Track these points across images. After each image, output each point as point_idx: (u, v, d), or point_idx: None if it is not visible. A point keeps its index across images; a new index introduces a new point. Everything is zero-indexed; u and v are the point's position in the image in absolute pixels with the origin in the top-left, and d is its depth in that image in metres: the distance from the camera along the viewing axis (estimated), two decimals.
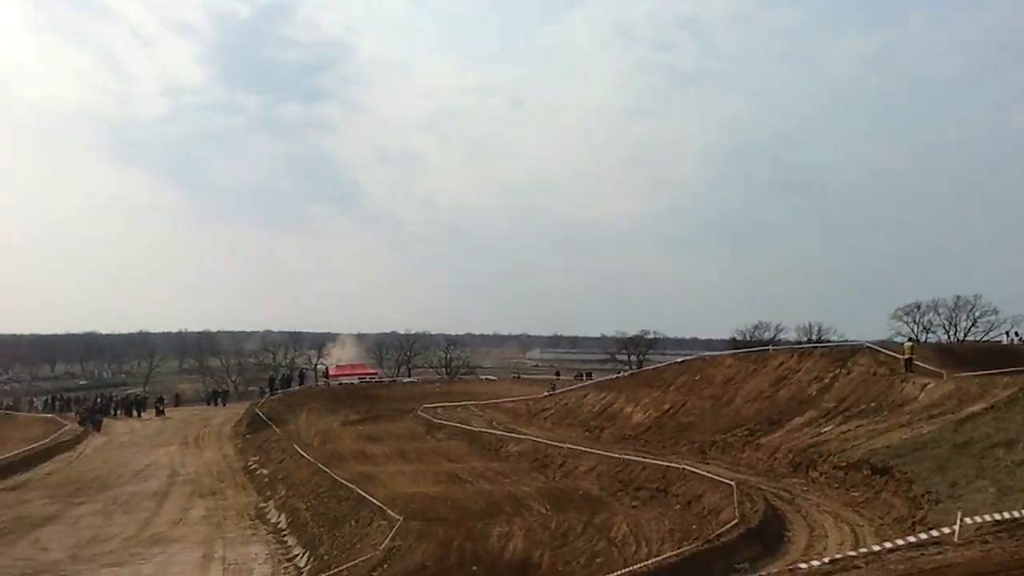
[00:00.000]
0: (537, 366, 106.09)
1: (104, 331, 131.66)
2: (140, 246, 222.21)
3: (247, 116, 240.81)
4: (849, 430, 27.31)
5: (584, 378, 64.74)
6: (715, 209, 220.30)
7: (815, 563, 12.52)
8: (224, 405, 72.32)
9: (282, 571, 24.66)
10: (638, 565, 17.78)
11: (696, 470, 26.16)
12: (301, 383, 73.83)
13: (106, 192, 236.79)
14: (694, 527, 21.48)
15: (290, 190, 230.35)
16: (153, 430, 58.95)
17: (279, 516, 31.63)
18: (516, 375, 77.34)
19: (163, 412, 66.52)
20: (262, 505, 34.21)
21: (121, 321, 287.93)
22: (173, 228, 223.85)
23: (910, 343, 34.12)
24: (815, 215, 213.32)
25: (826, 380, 33.15)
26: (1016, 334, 52.27)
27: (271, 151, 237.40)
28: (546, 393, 57.36)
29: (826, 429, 28.53)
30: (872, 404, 29.21)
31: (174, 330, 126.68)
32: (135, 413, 66.65)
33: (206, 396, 77.38)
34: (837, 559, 12.37)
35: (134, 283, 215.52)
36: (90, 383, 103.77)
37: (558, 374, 74.49)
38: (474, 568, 19.99)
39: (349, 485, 30.38)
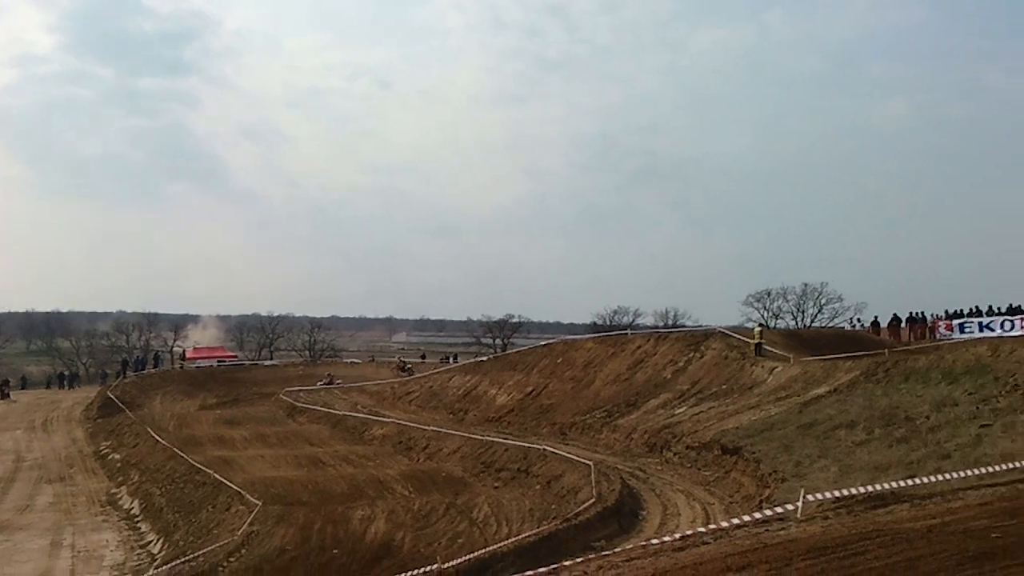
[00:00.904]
0: (403, 349, 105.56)
1: None
2: None
3: (102, 88, 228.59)
4: (702, 412, 28.35)
5: (450, 361, 64.91)
6: (581, 197, 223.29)
7: (667, 539, 13.00)
8: (73, 388, 69.36)
9: (135, 558, 23.97)
10: (498, 544, 18.07)
11: (556, 451, 26.70)
12: (156, 366, 71.49)
13: None
14: (553, 507, 21.95)
15: (148, 166, 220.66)
16: None
17: (132, 502, 30.68)
18: (372, 358, 76.78)
19: (8, 395, 63.11)
20: (114, 491, 33.08)
21: None
22: (21, 203, 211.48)
23: (760, 328, 35.60)
24: (677, 204, 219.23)
25: (680, 363, 34.27)
26: (859, 320, 55.11)
27: (128, 125, 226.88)
28: (400, 375, 57.68)
29: (680, 411, 29.53)
30: (724, 387, 30.38)
31: (21, 309, 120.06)
32: None
33: (53, 379, 73.68)
34: (688, 535, 12.87)
35: None
36: None
37: (423, 357, 74.42)
38: (335, 551, 19.90)
39: (206, 470, 29.70)
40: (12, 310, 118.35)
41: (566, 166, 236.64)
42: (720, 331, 36.34)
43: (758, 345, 32.51)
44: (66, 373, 75.26)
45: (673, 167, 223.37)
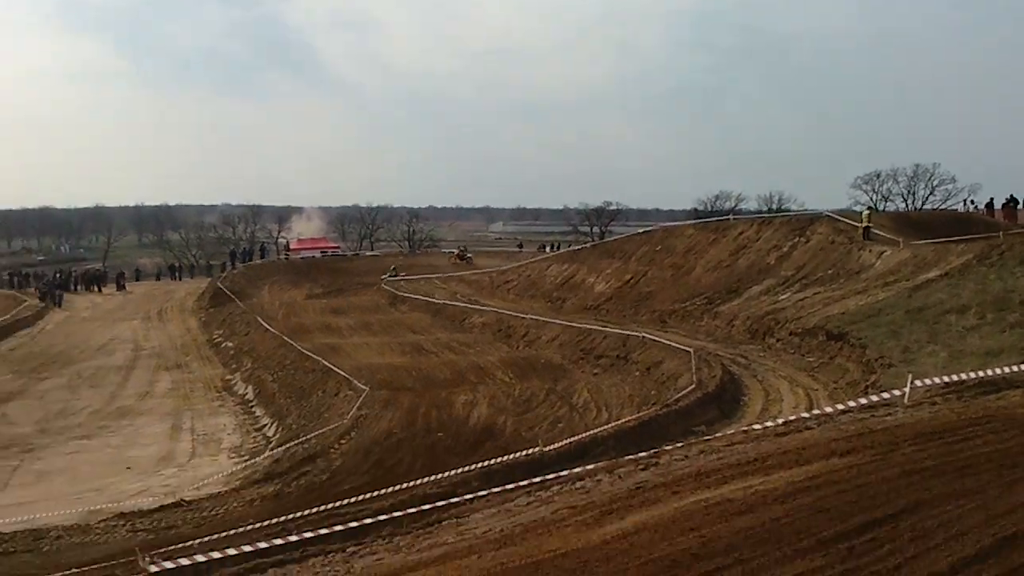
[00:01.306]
0: (500, 239, 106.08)
1: (60, 205, 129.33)
2: (93, 119, 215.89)
3: None
4: (806, 297, 27.79)
5: (548, 250, 64.88)
6: (680, 77, 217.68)
7: (769, 424, 12.90)
8: (181, 280, 71.81)
9: (251, 440, 25.09)
10: (598, 429, 18.26)
11: (656, 338, 26.62)
12: (263, 257, 73.38)
13: (58, 64, 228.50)
14: (653, 393, 22.01)
15: (245, 56, 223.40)
16: (115, 305, 58.70)
17: (246, 388, 31.97)
18: (462, 250, 77.12)
19: (124, 287, 66.02)
20: (228, 377, 34.51)
21: (76, 195, 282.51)
22: (126, 99, 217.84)
23: (868, 211, 34.44)
24: (781, 83, 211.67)
25: (785, 249, 33.50)
26: (973, 202, 52.90)
27: (223, 16, 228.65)
28: (458, 264, 57.96)
29: (783, 297, 29.01)
30: (829, 272, 29.65)
31: (131, 204, 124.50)
32: (96, 288, 66.10)
33: (164, 271, 76.34)
34: (791, 420, 12.75)
35: (88, 156, 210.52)
36: (48, 258, 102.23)
37: (520, 246, 74.60)
38: (439, 434, 20.44)
39: (315, 357, 30.64)
40: (123, 204, 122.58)
41: (662, 43, 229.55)
42: (827, 215, 35.26)
43: (866, 229, 31.48)
44: (176, 265, 77.92)
45: (777, 43, 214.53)
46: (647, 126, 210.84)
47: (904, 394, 12.93)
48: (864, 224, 31.88)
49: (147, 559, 9.60)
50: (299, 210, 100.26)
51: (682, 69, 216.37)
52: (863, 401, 13.44)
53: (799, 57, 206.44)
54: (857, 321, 22.77)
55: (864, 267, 28.74)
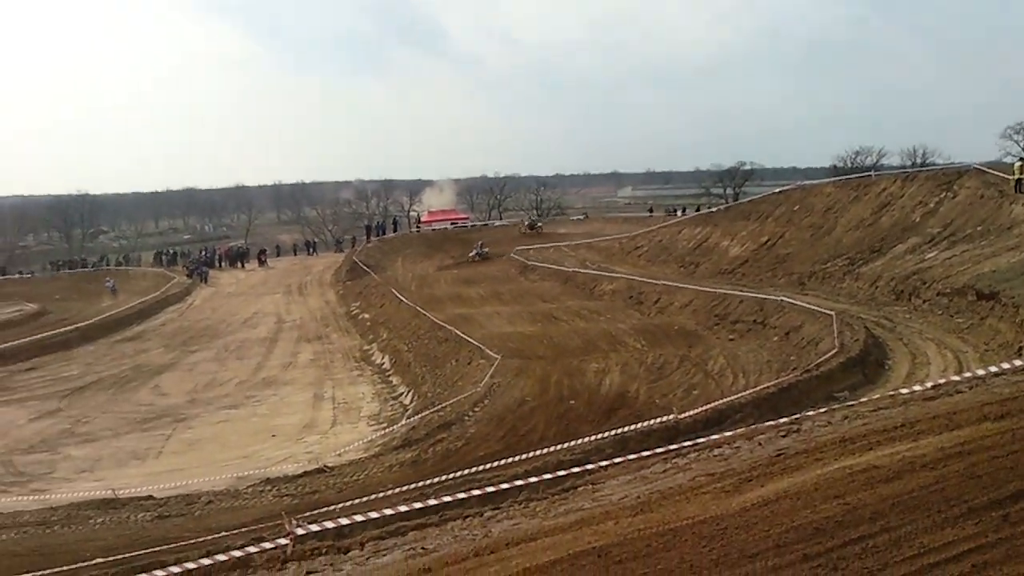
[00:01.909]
0: (629, 204, 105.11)
1: (202, 186, 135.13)
2: (230, 102, 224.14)
3: None
4: (954, 255, 26.47)
5: (681, 214, 63.77)
6: (815, 29, 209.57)
7: (917, 388, 12.35)
8: (315, 254, 73.79)
9: (389, 408, 25.70)
10: (735, 395, 17.91)
11: (794, 301, 25.88)
12: (395, 230, 74.83)
13: (197, 49, 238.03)
14: (792, 358, 21.43)
15: (372, 35, 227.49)
16: (257, 280, 61.05)
17: (383, 358, 32.75)
18: (584, 215, 76.18)
19: (265, 262, 68.55)
20: (366, 348, 35.43)
21: (217, 176, 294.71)
22: (262, 81, 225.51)
23: (1021, 163, 32.44)
24: (923, 31, 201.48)
25: (931, 205, 31.97)
26: None
27: None
28: (524, 232, 58.21)
29: (930, 255, 27.72)
30: (979, 228, 28.13)
31: (269, 183, 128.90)
32: (239, 264, 68.88)
33: (300, 246, 78.58)
34: (940, 384, 12.17)
35: (228, 137, 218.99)
36: (193, 237, 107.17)
37: (651, 211, 73.66)
38: (572, 402, 20.44)
39: (448, 327, 31.10)
40: (262, 183, 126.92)
41: None
42: (975, 168, 33.37)
43: (1019, 181, 29.67)
44: (312, 241, 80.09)
45: None
46: (781, 82, 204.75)
47: None
48: (1016, 176, 30.04)
49: (293, 522, 9.94)
50: (429, 183, 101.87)
51: (817, 20, 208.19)
52: (1018, 363, 12.71)
53: (940, 3, 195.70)
54: (1010, 279, 21.55)
55: (1016, 222, 27.11)
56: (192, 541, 11.59)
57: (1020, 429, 8.14)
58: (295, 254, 75.43)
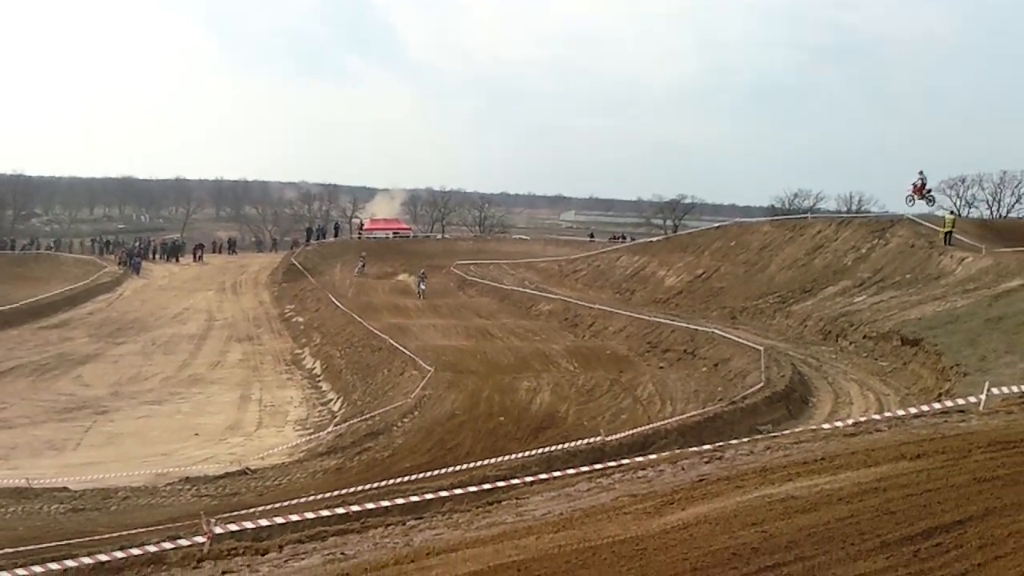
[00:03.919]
0: (571, 228, 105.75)
1: (141, 176, 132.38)
2: (177, 92, 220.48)
3: None
4: (882, 301, 27.19)
5: (620, 242, 64.38)
6: (762, 72, 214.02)
7: (838, 424, 12.65)
8: (235, 253, 72.10)
9: (316, 414, 25.49)
10: (662, 422, 18.14)
11: (725, 334, 26.31)
12: (336, 235, 74.25)
13: (145, 36, 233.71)
14: (720, 389, 21.77)
15: (327, 37, 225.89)
16: (191, 275, 60.04)
17: (314, 362, 32.49)
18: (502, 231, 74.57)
19: (201, 258, 67.44)
20: (297, 351, 35.09)
21: (158, 167, 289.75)
22: (210, 74, 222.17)
23: (951, 216, 33.51)
24: (865, 82, 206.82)
25: (863, 251, 32.82)
26: None
27: None
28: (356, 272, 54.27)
29: (859, 299, 28.43)
30: (908, 276, 28.97)
31: (211, 178, 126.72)
32: (174, 258, 67.65)
33: (236, 243, 77.00)
34: (861, 422, 12.47)
35: (171, 129, 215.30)
36: (128, 227, 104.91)
37: (591, 236, 74.13)
38: (501, 419, 20.50)
39: (382, 336, 30.98)
40: (203, 178, 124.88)
41: (746, 38, 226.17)
42: (908, 218, 34.39)
43: (948, 234, 30.65)
44: (256, 239, 78.31)
45: (860, 41, 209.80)
46: (727, 121, 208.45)
47: (980, 401, 12.55)
48: (946, 229, 31.04)
49: (211, 522, 9.80)
50: (374, 190, 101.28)
51: (766, 65, 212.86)
52: (936, 406, 13.09)
53: (887, 57, 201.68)
54: (934, 327, 22.22)
55: (944, 273, 28.01)
56: (106, 536, 11.36)
57: (935, 469, 8.40)
58: (231, 252, 73.95)
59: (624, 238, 67.87)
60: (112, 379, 29.83)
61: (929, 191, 36.40)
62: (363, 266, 55.40)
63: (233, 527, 10.08)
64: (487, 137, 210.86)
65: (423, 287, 45.12)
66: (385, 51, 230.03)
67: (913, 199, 35.41)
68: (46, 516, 15.08)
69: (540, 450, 16.07)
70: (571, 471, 11.49)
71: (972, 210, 65.93)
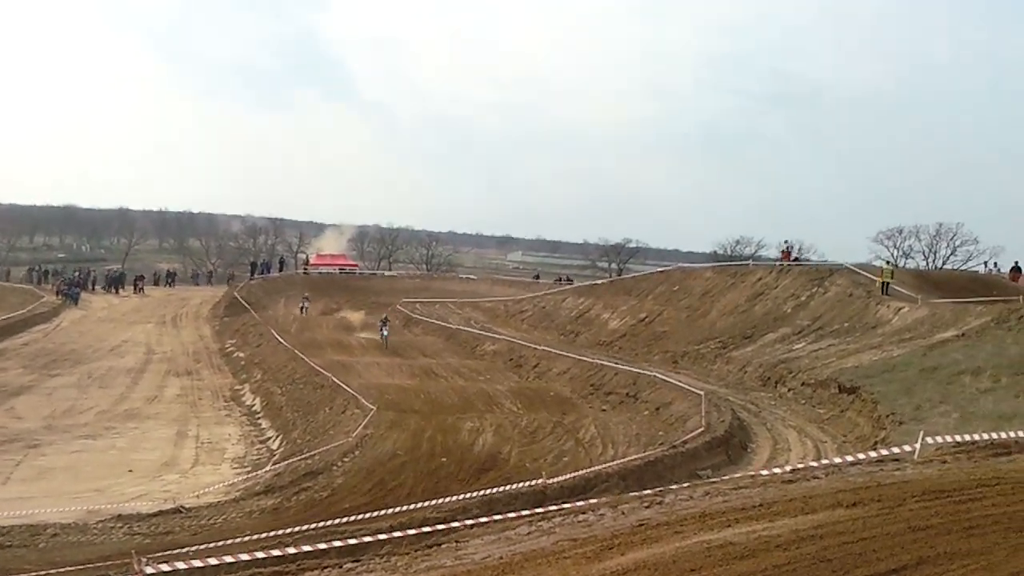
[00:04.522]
0: (518, 268, 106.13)
1: (84, 205, 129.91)
2: (124, 119, 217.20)
3: None
4: (821, 348, 27.67)
5: (565, 283, 64.77)
6: (707, 119, 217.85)
7: (777, 471, 12.82)
8: (173, 286, 71.28)
9: (255, 452, 25.09)
10: (603, 465, 18.19)
11: (667, 378, 26.54)
12: (281, 270, 73.63)
13: (91, 62, 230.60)
14: (661, 433, 21.91)
15: (276, 70, 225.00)
16: (131, 307, 59.04)
17: (254, 399, 32.04)
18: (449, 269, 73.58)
19: (142, 290, 66.38)
20: (237, 387, 34.59)
21: (101, 196, 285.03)
22: (157, 103, 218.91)
23: (888, 267, 34.32)
24: (806, 130, 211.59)
25: (802, 298, 33.41)
26: (995, 265, 52.55)
27: (257, 28, 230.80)
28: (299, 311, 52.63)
29: (798, 346, 28.89)
30: (846, 324, 29.51)
31: (155, 208, 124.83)
32: (114, 289, 66.46)
33: (162, 276, 75.70)
34: (798, 469, 12.66)
35: (115, 158, 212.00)
36: (68, 256, 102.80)
37: (537, 277, 74.47)
38: (444, 460, 20.38)
39: (325, 373, 30.70)
40: (147, 208, 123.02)
41: (693, 85, 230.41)
42: (846, 267, 35.15)
43: (885, 284, 31.37)
44: (170, 271, 76.56)
45: (807, 93, 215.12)
46: (672, 166, 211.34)
47: (914, 450, 12.81)
48: (883, 279, 31.77)
49: (142, 561, 9.58)
50: (320, 225, 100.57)
51: (710, 111, 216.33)
52: (872, 455, 13.33)
53: (828, 107, 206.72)
54: (871, 376, 22.65)
55: (881, 322, 28.61)
56: (34, 574, 11.03)
57: (870, 517, 8.54)
58: (169, 285, 72.60)
59: (568, 280, 68.42)
60: (46, 412, 29.07)
61: (795, 259, 41.66)
62: (306, 307, 53.66)
63: (165, 567, 9.88)
64: (437, 176, 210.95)
65: (386, 333, 40.63)
66: (335, 87, 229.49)
67: (783, 264, 39.16)
68: None
69: (481, 492, 15.99)
70: (511, 514, 11.46)
71: (909, 261, 67.51)
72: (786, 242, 40.99)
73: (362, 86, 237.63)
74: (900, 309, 28.83)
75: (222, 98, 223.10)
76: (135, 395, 32.63)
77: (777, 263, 40.30)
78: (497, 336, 40.48)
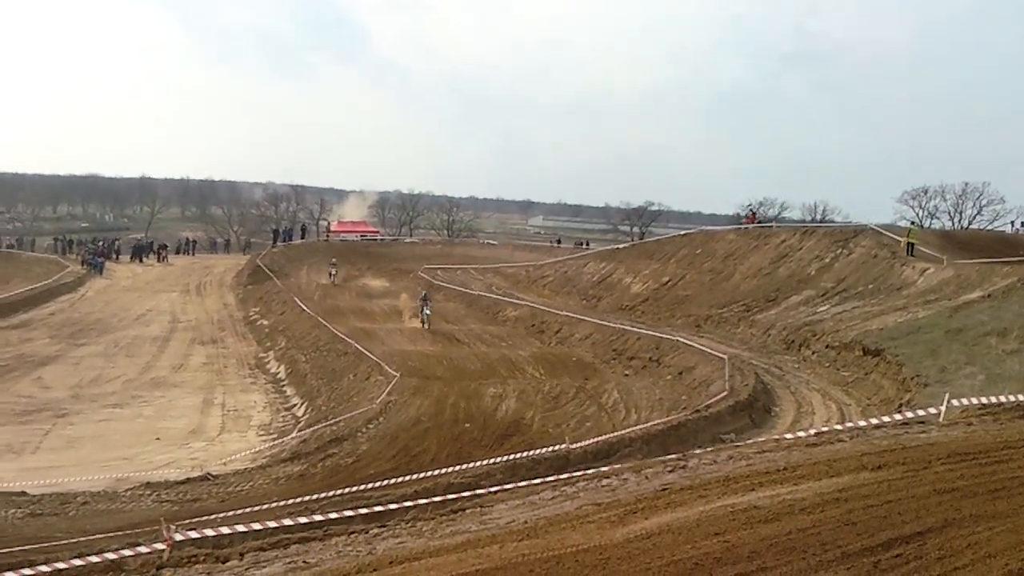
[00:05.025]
0: (539, 233, 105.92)
1: (106, 174, 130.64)
2: (145, 89, 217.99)
3: None
4: (845, 311, 27.49)
5: (584, 247, 64.67)
6: (729, 80, 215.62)
7: (801, 434, 12.77)
8: (193, 255, 71.50)
9: (280, 419, 25.28)
10: (626, 430, 18.21)
11: (690, 342, 26.47)
12: (303, 237, 73.80)
13: (111, 31, 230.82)
14: (684, 397, 21.89)
15: (295, 35, 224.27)
16: (155, 276, 59.35)
17: (279, 367, 32.23)
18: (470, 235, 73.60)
19: (166, 258, 66.74)
20: (262, 355, 34.80)
21: (123, 165, 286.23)
22: (177, 71, 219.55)
23: (913, 227, 33.98)
24: (831, 92, 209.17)
25: (826, 260, 33.17)
26: (1023, 224, 51.99)
27: None
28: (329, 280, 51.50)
29: (822, 308, 28.72)
30: (870, 286, 29.30)
31: (176, 176, 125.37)
32: (138, 258, 66.86)
33: (202, 244, 76.12)
34: (823, 432, 12.61)
35: (137, 126, 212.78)
36: (92, 226, 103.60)
37: (559, 242, 74.33)
38: (467, 425, 20.48)
39: (348, 340, 30.84)
40: (169, 176, 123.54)
41: (713, 47, 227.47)
42: (871, 228, 34.82)
43: (910, 245, 31.08)
44: (187, 240, 76.93)
45: (829, 52, 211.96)
46: (694, 129, 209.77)
47: (940, 413, 12.73)
48: (908, 240, 31.47)
49: (171, 528, 9.69)
50: (341, 192, 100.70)
51: (733, 73, 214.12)
52: (897, 417, 13.26)
53: (852, 66, 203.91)
54: (895, 338, 22.50)
55: (906, 283, 28.37)
56: (64, 542, 11.20)
57: (895, 480, 8.50)
58: (192, 253, 72.93)
59: (586, 244, 68.48)
60: (73, 381, 29.39)
61: (759, 221, 43.70)
62: (333, 273, 53.31)
63: (194, 534, 9.99)
64: (456, 141, 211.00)
65: (427, 312, 36.59)
66: (355, 51, 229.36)
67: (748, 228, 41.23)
68: (3, 521, 14.81)
69: (505, 457, 16.06)
70: (535, 479, 11.50)
71: (934, 221, 66.93)
72: (748, 205, 42.96)
73: (380, 49, 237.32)
74: (925, 270, 28.57)
75: (241, 64, 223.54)
76: (161, 363, 32.90)
77: (742, 227, 42.21)
78: (519, 302, 40.48)
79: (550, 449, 16.40)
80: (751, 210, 43.10)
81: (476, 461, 16.07)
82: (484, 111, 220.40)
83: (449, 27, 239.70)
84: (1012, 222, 56.97)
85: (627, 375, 25.75)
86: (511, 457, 16.04)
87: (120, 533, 12.06)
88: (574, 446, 16.49)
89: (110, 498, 16.68)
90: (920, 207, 67.81)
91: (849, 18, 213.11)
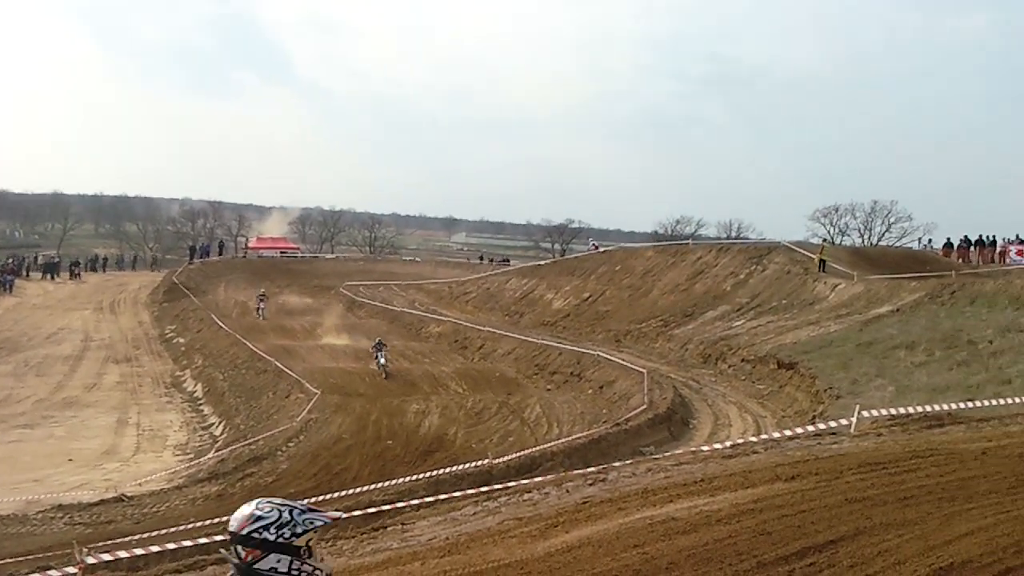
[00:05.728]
0: (462, 250, 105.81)
1: (16, 190, 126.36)
2: (55, 102, 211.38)
3: None
4: (760, 325, 28.14)
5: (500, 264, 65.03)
6: (647, 101, 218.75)
7: (717, 446, 13.04)
8: (102, 272, 69.57)
9: (197, 439, 24.80)
10: (548, 444, 18.34)
11: (610, 357, 26.77)
12: (221, 253, 72.50)
13: (22, 39, 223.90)
14: (604, 411, 22.14)
15: (214, 52, 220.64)
16: (66, 294, 57.67)
17: (195, 385, 31.61)
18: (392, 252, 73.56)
19: (78, 275, 64.89)
20: (178, 374, 34.10)
21: (34, 180, 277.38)
22: (91, 86, 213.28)
23: (825, 244, 34.98)
24: (745, 113, 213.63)
25: (741, 276, 33.92)
26: (929, 241, 53.81)
27: (195, 8, 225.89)
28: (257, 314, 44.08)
29: (737, 323, 29.35)
30: (784, 301, 30.05)
31: (90, 192, 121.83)
32: (49, 276, 64.87)
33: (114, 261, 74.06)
34: (738, 444, 12.89)
35: (49, 141, 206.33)
36: (1, 243, 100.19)
37: (481, 259, 74.41)
38: (389, 442, 20.39)
39: (267, 357, 30.40)
40: (82, 192, 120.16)
41: (634, 68, 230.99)
42: (784, 245, 35.74)
43: (822, 261, 32.00)
44: (77, 261, 74.64)
45: (744, 74, 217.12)
46: (613, 148, 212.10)
47: (851, 424, 13.12)
48: (820, 256, 32.39)
49: (84, 551, 9.46)
50: (260, 209, 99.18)
51: (651, 94, 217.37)
52: (810, 428, 13.63)
53: (765, 88, 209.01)
54: (808, 351, 23.12)
55: (818, 299, 29.18)
56: None
57: (808, 490, 8.73)
58: (104, 270, 70.76)
59: (505, 260, 69.11)
60: None
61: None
62: (263, 308, 44.59)
63: (107, 557, 9.78)
64: (380, 158, 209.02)
65: (383, 361, 28.83)
66: (274, 69, 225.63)
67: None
68: None
69: (428, 474, 16.06)
70: (457, 495, 11.52)
71: (845, 238, 68.72)
72: (590, 239, 47.72)
73: (300, 68, 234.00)
74: (837, 286, 29.41)
75: (159, 81, 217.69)
76: (73, 383, 31.99)
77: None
78: (442, 318, 40.43)
79: (473, 464, 16.44)
80: (594, 244, 49.96)
81: (399, 478, 16.03)
82: (408, 130, 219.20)
83: (372, 48, 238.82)
84: (919, 239, 58.92)
85: (549, 390, 25.92)
86: (434, 473, 16.04)
87: (31, 557, 11.73)
88: (497, 461, 16.55)
89: (20, 521, 16.20)
90: (831, 224, 69.53)
91: (764, 46, 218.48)
